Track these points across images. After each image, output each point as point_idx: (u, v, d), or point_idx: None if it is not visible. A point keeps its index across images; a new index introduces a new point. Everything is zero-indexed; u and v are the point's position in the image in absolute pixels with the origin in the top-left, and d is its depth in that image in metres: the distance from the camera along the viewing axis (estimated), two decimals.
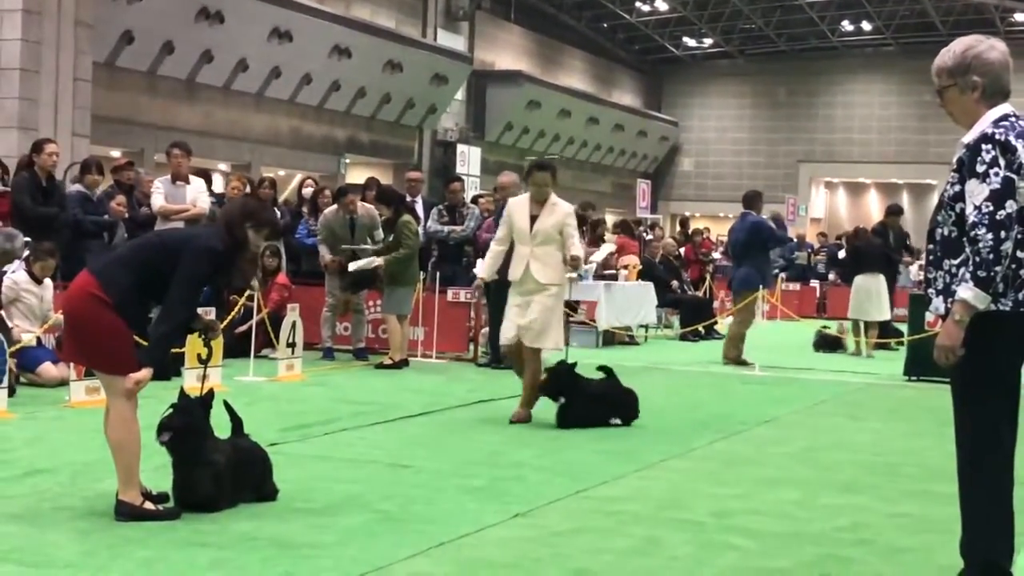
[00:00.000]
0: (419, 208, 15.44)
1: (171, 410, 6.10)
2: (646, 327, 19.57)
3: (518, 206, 9.94)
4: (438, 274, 14.91)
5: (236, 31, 26.16)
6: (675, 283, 21.09)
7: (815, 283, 28.36)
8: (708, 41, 47.14)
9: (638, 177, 38.06)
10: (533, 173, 9.92)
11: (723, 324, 18.74)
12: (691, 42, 47.41)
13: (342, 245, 13.87)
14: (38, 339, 10.61)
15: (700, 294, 22.20)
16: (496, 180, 14.88)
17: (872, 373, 14.90)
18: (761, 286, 15.88)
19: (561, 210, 9.78)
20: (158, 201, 13.28)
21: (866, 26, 44.43)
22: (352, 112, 31.62)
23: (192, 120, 26.45)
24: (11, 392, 9.50)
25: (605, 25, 45.33)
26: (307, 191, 16.15)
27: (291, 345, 12.03)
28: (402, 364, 13.22)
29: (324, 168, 31.09)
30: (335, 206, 14.22)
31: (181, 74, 26.10)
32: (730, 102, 48.34)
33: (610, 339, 17.85)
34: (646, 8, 43.74)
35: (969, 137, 4.74)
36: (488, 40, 38.64)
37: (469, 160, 34.86)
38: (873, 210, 47.96)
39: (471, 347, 14.78)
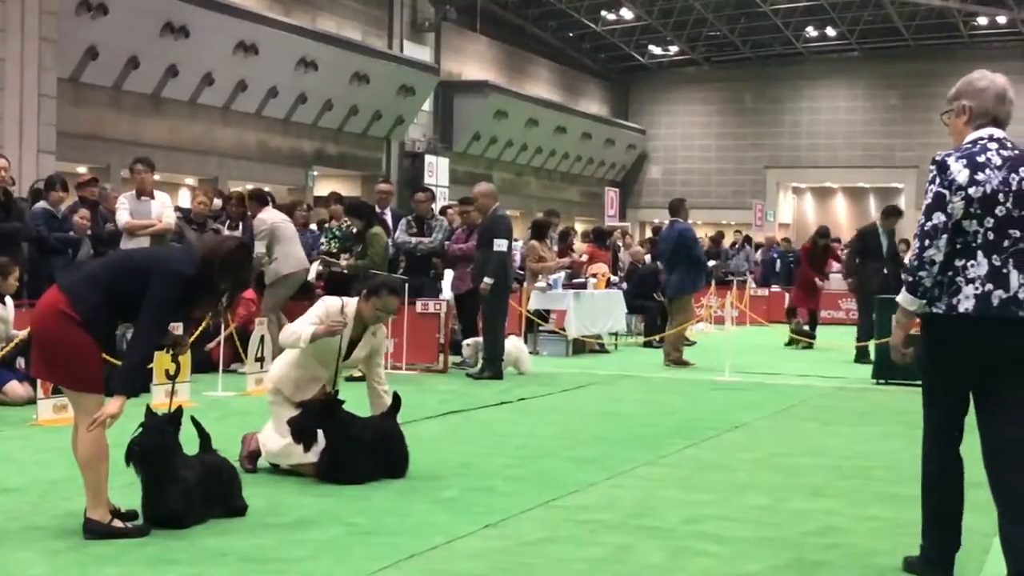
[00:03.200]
0: (388, 220, 15.43)
1: (140, 430, 6.07)
2: (616, 335, 19.62)
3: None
4: (406, 286, 14.90)
5: (201, 45, 26.11)
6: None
7: (778, 288, 28.36)
8: (674, 49, 47.32)
9: (606, 185, 38.03)
10: (383, 295, 7.65)
11: (690, 331, 18.80)
12: (657, 50, 47.58)
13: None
14: (3, 359, 10.51)
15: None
16: (474, 190, 14.88)
17: (841, 377, 14.97)
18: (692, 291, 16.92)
19: (381, 335, 7.89)
20: (123, 217, 13.21)
21: (831, 32, 44.69)
22: (319, 124, 31.59)
23: (158, 135, 26.37)
24: None
25: (571, 34, 45.46)
26: None
27: (259, 359, 11.99)
28: None
29: (292, 181, 31.05)
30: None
31: (147, 89, 26.02)
32: (697, 109, 48.53)
33: (580, 347, 17.88)
34: (612, 17, 43.89)
35: None
36: (454, 51, 38.69)
37: (437, 171, 34.88)
38: (840, 215, 48.20)
39: (440, 358, 14.76)
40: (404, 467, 7.73)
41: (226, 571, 5.31)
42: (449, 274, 16.27)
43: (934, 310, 5.17)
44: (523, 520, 6.48)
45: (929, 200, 5.15)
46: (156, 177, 13.91)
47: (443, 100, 37.29)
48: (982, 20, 42.62)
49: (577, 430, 9.99)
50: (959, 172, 5.12)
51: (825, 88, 46.51)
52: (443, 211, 18.12)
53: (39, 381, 9.29)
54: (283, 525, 6.21)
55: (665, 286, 16.71)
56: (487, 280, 13.92)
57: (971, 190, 5.09)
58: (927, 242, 5.11)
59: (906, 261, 5.40)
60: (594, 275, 19.04)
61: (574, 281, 18.42)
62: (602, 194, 28.02)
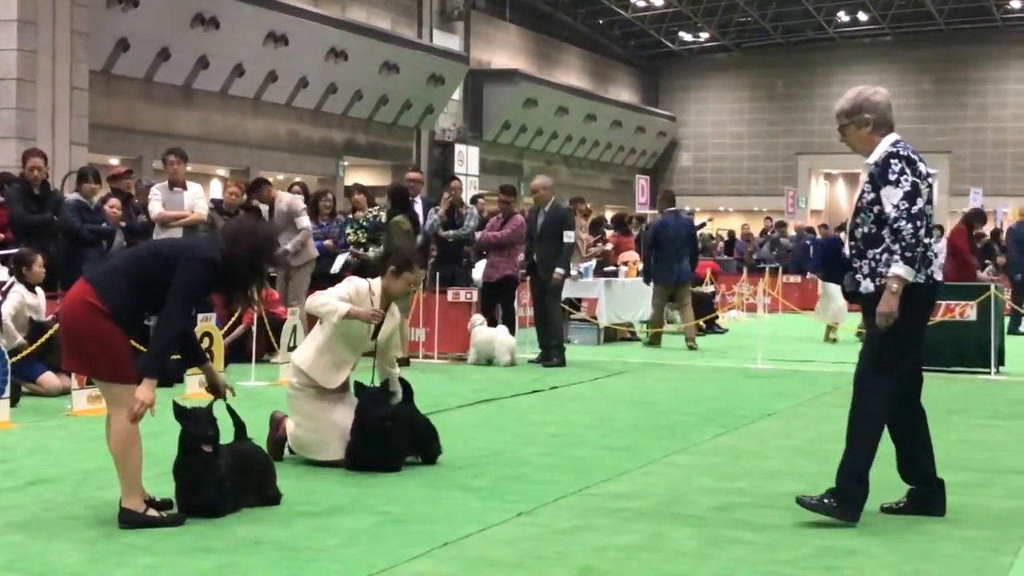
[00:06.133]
0: (418, 208, 15.39)
1: (185, 422, 6.07)
2: (647, 323, 19.55)
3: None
4: (438, 275, 14.90)
5: (231, 36, 26.19)
6: None
7: (812, 276, 28.18)
8: (704, 35, 47.15)
9: (637, 173, 37.98)
10: (415, 269, 7.87)
11: (724, 319, 18.76)
12: (687, 36, 47.42)
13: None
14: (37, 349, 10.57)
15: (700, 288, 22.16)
16: (533, 182, 14.95)
17: None
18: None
19: (398, 314, 7.94)
20: (156, 208, 13.26)
21: (862, 16, 44.44)
22: (349, 114, 31.65)
23: (190, 126, 26.49)
24: (13, 402, 9.50)
25: (601, 21, 45.34)
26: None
27: (292, 349, 12.00)
28: (403, 364, 13.18)
29: (323, 171, 31.12)
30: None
31: (178, 80, 26.13)
32: (727, 95, 48.35)
33: (611, 336, 17.85)
34: (641, 3, 43.76)
35: (874, 158, 6.16)
36: (484, 39, 38.67)
37: (467, 160, 34.89)
38: None
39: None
40: (435, 454, 7.73)
41: (260, 559, 5.34)
42: (481, 265, 16.22)
43: (918, 279, 6.07)
44: (556, 508, 6.48)
45: (908, 188, 6.01)
46: (188, 168, 13.96)
47: (473, 89, 37.29)
48: (1015, 3, 42.27)
49: (609, 418, 9.99)
50: (921, 164, 6.11)
51: (857, 73, 46.06)
52: (473, 200, 18.10)
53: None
54: (316, 513, 6.23)
55: (680, 273, 16.81)
56: (559, 271, 13.95)
57: (929, 179, 6.16)
58: (918, 223, 5.99)
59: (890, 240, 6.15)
60: (625, 263, 18.99)
61: (605, 270, 18.38)
62: (632, 182, 28.02)
